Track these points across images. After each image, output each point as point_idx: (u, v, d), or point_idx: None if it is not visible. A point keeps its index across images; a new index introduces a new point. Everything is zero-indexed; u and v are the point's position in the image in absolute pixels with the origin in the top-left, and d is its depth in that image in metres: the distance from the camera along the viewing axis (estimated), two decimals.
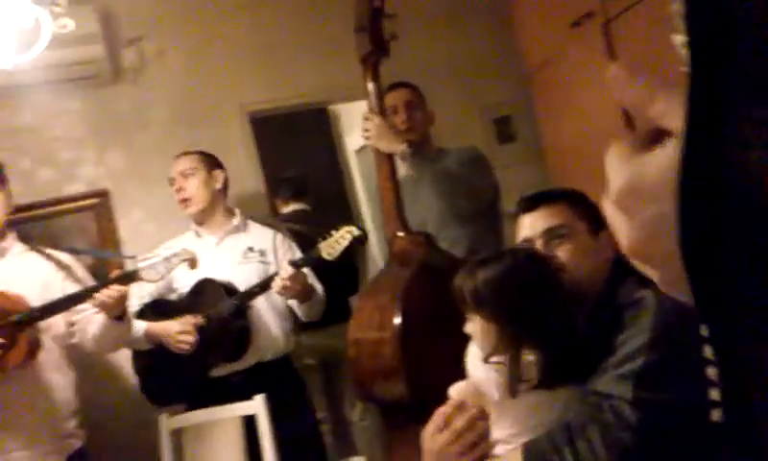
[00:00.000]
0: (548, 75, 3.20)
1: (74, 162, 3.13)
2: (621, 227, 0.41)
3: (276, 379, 2.62)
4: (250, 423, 2.46)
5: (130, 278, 2.24)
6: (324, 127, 4.80)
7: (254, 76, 3.41)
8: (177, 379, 2.62)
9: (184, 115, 3.26)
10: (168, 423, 2.55)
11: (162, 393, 2.68)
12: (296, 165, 3.89)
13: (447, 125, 3.51)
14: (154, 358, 2.60)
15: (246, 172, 3.28)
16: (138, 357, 2.67)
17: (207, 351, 2.53)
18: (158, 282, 2.48)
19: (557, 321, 1.34)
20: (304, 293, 2.56)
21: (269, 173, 3.50)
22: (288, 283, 2.42)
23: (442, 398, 1.44)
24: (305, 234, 2.96)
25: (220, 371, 2.59)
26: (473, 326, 1.38)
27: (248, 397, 2.46)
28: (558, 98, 3.18)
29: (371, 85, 2.22)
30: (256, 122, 3.45)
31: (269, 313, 2.65)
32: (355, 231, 2.44)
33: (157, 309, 2.60)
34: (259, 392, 2.47)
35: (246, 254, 2.67)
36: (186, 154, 2.75)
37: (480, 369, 1.36)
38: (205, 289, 2.57)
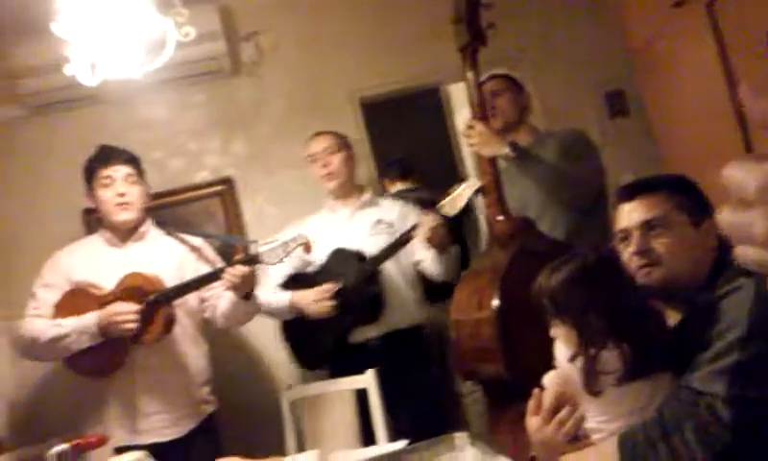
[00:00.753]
0: (652, 54, 3.12)
1: (201, 152, 3.40)
2: (760, 220, 0.48)
3: (409, 348, 2.78)
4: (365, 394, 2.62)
5: (253, 260, 2.45)
6: (435, 107, 4.86)
7: (364, 62, 3.53)
8: (319, 345, 2.85)
9: (299, 104, 3.45)
10: (288, 394, 2.77)
11: (308, 358, 2.93)
12: (405, 147, 4.00)
13: (558, 101, 3.49)
14: (298, 326, 2.85)
15: (357, 155, 3.43)
16: (286, 327, 2.93)
17: (344, 316, 2.73)
18: (292, 261, 2.72)
19: (633, 317, 1.37)
20: (445, 243, 2.64)
21: (379, 156, 3.63)
22: (432, 230, 2.53)
23: (539, 377, 1.51)
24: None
25: (358, 337, 2.76)
26: (556, 329, 1.44)
27: (383, 363, 2.63)
28: (662, 77, 3.09)
29: (469, 75, 2.28)
30: (367, 107, 3.58)
31: (402, 283, 2.81)
32: (472, 183, 2.48)
33: (298, 282, 2.84)
34: (394, 359, 2.68)
35: (375, 226, 2.85)
36: (327, 133, 2.96)
37: (563, 360, 1.42)
38: (339, 258, 2.79)
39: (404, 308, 2.81)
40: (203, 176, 3.39)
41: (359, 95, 3.53)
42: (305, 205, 3.23)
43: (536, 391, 1.49)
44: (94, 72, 2.10)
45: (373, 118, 3.65)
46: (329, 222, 2.91)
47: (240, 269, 2.41)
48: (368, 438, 2.56)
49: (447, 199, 2.59)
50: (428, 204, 2.80)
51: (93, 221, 3.15)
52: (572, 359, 1.38)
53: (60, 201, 3.22)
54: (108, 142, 2.74)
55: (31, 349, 2.49)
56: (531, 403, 1.49)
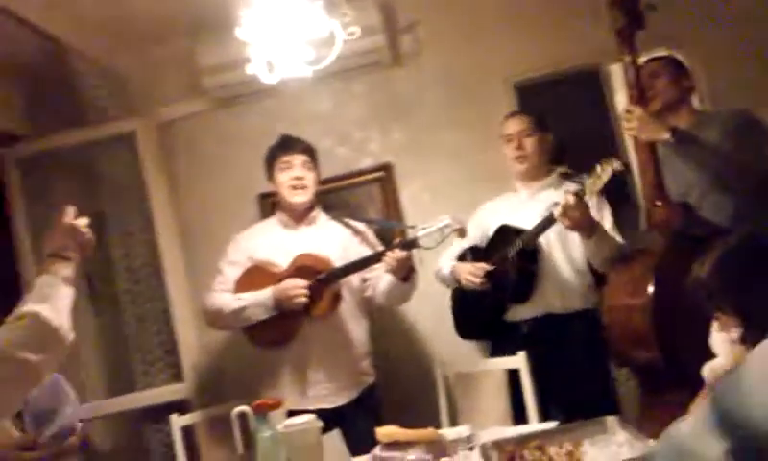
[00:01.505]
0: None
1: (363, 140, 3.60)
2: None
3: (569, 332, 2.76)
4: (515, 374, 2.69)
5: (411, 244, 2.62)
6: (594, 88, 4.76)
7: (521, 47, 3.55)
8: (475, 317, 2.99)
9: (455, 92, 3.55)
10: (442, 370, 2.91)
11: (464, 327, 3.07)
12: (561, 130, 3.97)
13: (726, 82, 3.32)
14: (462, 296, 3.00)
15: None
16: (454, 295, 3.07)
17: (497, 291, 2.83)
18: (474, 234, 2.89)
19: None
20: (585, 225, 2.55)
21: None
22: (568, 211, 2.50)
23: (695, 366, 1.51)
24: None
25: (513, 316, 2.84)
26: (716, 319, 1.42)
27: (536, 344, 2.69)
28: None
29: (626, 58, 2.27)
30: (521, 91, 3.60)
31: (565, 266, 2.80)
32: (615, 163, 2.48)
33: (473, 253, 2.98)
34: (548, 342, 2.72)
35: (549, 208, 2.80)
36: (522, 114, 3.02)
37: (721, 351, 1.42)
38: (502, 235, 2.88)
39: (564, 293, 2.79)
40: (365, 163, 3.60)
41: (513, 80, 3.56)
42: (459, 191, 3.35)
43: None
44: (272, 71, 2.33)
45: (528, 102, 3.66)
46: (510, 201, 2.98)
47: (398, 253, 2.59)
48: (519, 418, 2.64)
49: (589, 179, 2.53)
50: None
51: (267, 205, 3.48)
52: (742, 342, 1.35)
53: (238, 187, 3.56)
54: (284, 131, 3.03)
55: (216, 319, 2.83)
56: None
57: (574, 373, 2.73)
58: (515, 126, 2.95)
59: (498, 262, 2.81)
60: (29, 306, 1.54)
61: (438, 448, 2.05)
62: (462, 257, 2.98)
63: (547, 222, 2.67)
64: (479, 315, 2.95)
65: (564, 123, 4.37)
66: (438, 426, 2.62)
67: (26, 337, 1.47)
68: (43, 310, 1.51)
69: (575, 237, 2.69)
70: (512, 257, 2.78)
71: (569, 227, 2.55)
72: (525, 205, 2.91)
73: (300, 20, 2.26)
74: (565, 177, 3.13)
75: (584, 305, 2.79)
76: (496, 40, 3.54)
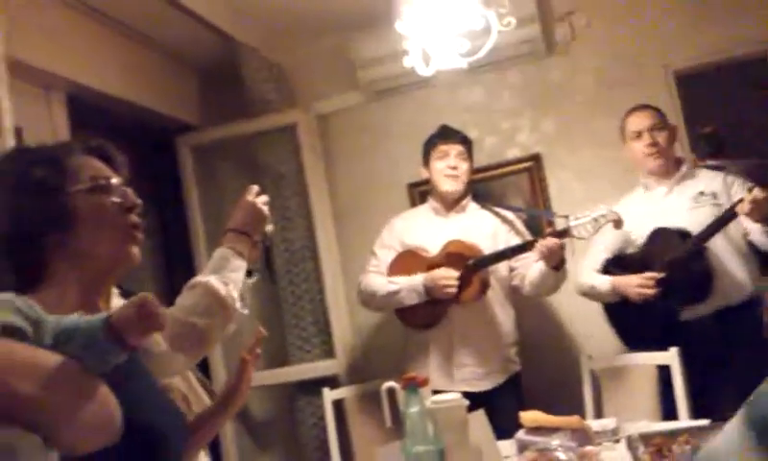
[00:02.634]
0: None
1: (512, 130, 3.64)
2: None
3: (740, 324, 2.66)
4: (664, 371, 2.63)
5: (563, 233, 2.64)
6: (761, 77, 4.48)
7: (681, 34, 3.44)
8: (646, 327, 2.85)
9: (609, 81, 3.50)
10: (589, 363, 2.90)
11: (635, 339, 2.91)
12: (723, 120, 3.79)
13: None
14: (623, 308, 2.87)
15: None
16: (610, 309, 2.96)
17: (671, 297, 2.72)
18: (610, 243, 2.82)
19: None
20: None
21: (692, 130, 3.51)
22: (755, 204, 2.43)
23: None
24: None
25: (688, 315, 2.74)
26: None
27: (714, 341, 2.63)
28: None
29: None
30: (681, 79, 3.48)
31: (731, 256, 2.70)
32: None
33: (619, 264, 2.88)
34: (724, 336, 2.62)
35: (697, 199, 2.76)
36: (648, 108, 2.93)
37: None
38: (659, 238, 2.77)
39: (735, 283, 2.68)
40: (513, 153, 3.63)
41: (673, 68, 3.45)
42: (609, 181, 3.30)
43: None
44: (428, 63, 2.43)
45: (688, 91, 3.53)
46: (645, 201, 2.87)
47: (553, 240, 2.61)
48: (668, 414, 2.59)
49: None
50: (753, 174, 2.65)
51: (416, 195, 3.61)
52: None
53: (389, 176, 3.71)
54: (434, 123, 3.14)
55: (370, 300, 3.01)
56: None
57: (748, 366, 2.61)
58: (644, 121, 2.86)
59: (666, 268, 2.72)
60: (201, 276, 1.67)
61: (582, 436, 2.07)
62: (606, 270, 2.89)
63: (724, 220, 2.60)
64: (650, 324, 2.83)
65: (728, 113, 4.18)
66: (582, 418, 2.63)
67: (195, 304, 1.59)
68: (212, 280, 1.63)
69: (733, 223, 2.62)
70: (677, 259, 2.69)
71: (756, 219, 2.49)
72: (666, 202, 2.83)
73: (457, 13, 2.34)
74: (715, 167, 2.99)
75: (753, 292, 2.69)
76: (656, 26, 3.46)
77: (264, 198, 1.78)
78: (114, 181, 1.24)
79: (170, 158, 3.82)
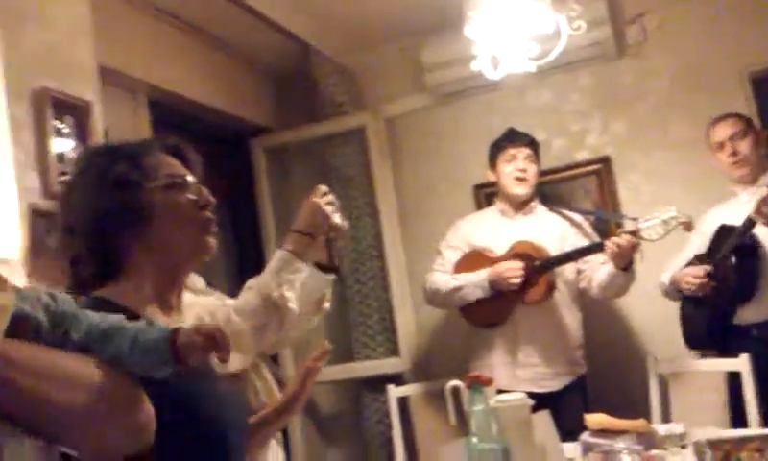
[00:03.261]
0: None
1: (581, 132, 3.63)
2: None
3: None
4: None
5: (633, 235, 2.63)
6: None
7: (756, 35, 3.36)
8: (700, 324, 2.88)
9: (682, 83, 3.45)
10: (656, 366, 2.87)
11: (690, 337, 2.94)
12: None
13: None
14: (688, 305, 2.91)
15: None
16: (682, 305, 2.95)
17: (719, 294, 2.72)
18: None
19: None
20: None
21: None
22: None
23: None
24: None
25: (740, 319, 2.72)
26: None
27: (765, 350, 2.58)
28: None
29: None
30: (757, 82, 3.40)
31: None
32: None
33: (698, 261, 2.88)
34: None
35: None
36: (731, 116, 2.90)
37: None
38: (721, 235, 2.78)
39: None
40: (582, 155, 3.62)
41: (749, 70, 3.38)
42: (680, 184, 3.26)
43: None
44: (496, 67, 2.47)
45: (764, 94, 3.45)
46: (732, 208, 2.82)
47: (625, 237, 2.60)
48: (738, 421, 2.55)
49: None
50: None
51: (482, 196, 3.64)
52: None
53: (455, 178, 3.76)
54: (501, 125, 3.17)
55: (434, 297, 3.06)
56: None
57: None
58: (725, 130, 2.83)
59: (719, 262, 2.70)
60: (256, 278, 1.72)
61: (648, 439, 2.07)
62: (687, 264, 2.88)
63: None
64: (706, 323, 2.84)
65: None
66: (649, 422, 2.61)
67: (247, 305, 1.65)
68: (266, 282, 1.67)
69: None
70: (730, 256, 2.67)
71: None
72: (745, 206, 2.78)
73: (527, 17, 2.37)
74: None
75: None
76: (732, 28, 3.39)
77: (328, 198, 1.81)
78: (189, 178, 1.29)
79: (244, 159, 3.96)
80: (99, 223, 1.21)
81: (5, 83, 1.92)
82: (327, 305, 1.96)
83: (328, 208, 1.80)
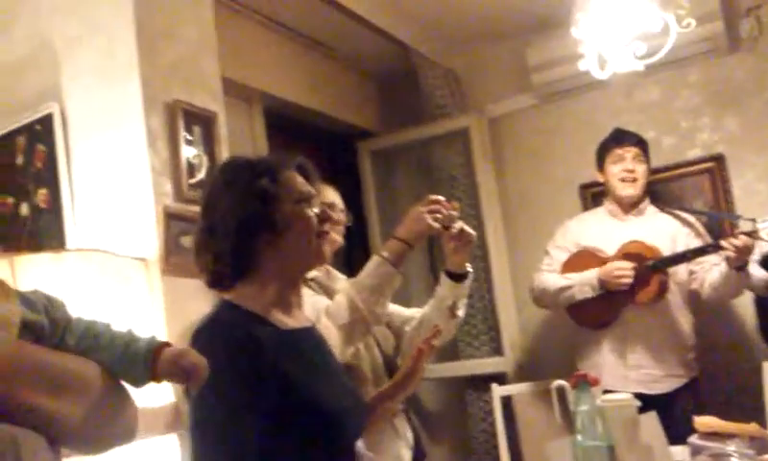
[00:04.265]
0: None
1: (692, 130, 3.56)
2: None
3: None
4: None
5: (751, 235, 2.59)
6: None
7: None
8: None
9: None
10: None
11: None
12: None
13: None
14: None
15: None
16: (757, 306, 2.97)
17: None
18: None
19: None
20: None
21: None
22: None
23: None
24: None
25: None
26: None
27: None
28: None
29: None
30: None
31: None
32: None
33: None
34: None
35: None
36: None
37: None
38: None
39: None
40: (693, 153, 3.55)
41: None
42: None
43: None
44: (603, 67, 2.49)
45: None
46: None
47: (743, 239, 2.57)
48: None
49: None
50: None
51: (588, 196, 3.63)
52: None
53: (560, 178, 3.77)
54: (608, 123, 3.17)
55: (541, 296, 3.09)
56: None
57: None
58: None
59: None
60: (348, 281, 1.85)
61: (761, 444, 2.04)
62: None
63: None
64: None
65: None
66: (763, 426, 2.56)
67: (336, 307, 1.77)
68: (355, 288, 1.77)
69: None
70: None
71: None
72: None
73: (634, 16, 2.38)
74: None
75: None
76: None
77: (435, 206, 1.86)
78: (313, 193, 1.49)
79: (351, 162, 4.12)
80: (242, 228, 1.39)
81: (142, 96, 2.13)
82: (461, 313, 2.04)
83: (429, 217, 1.84)
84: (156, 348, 0.96)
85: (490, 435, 3.53)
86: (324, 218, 1.49)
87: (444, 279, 2.05)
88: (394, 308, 2.14)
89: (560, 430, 2.67)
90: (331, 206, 2.05)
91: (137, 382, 0.98)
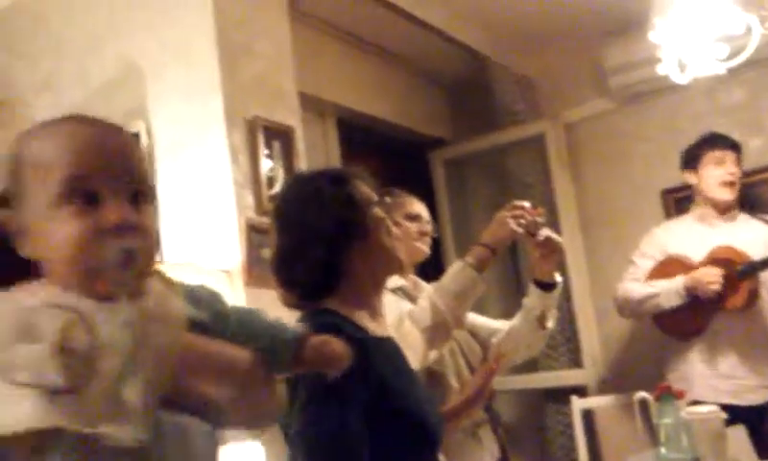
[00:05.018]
0: None
1: None
2: None
3: None
4: None
5: None
6: None
7: None
8: None
9: None
10: None
11: None
12: None
13: None
14: None
15: None
16: None
17: None
18: None
19: None
20: None
21: None
22: None
23: None
24: None
25: None
26: None
27: None
28: None
29: None
30: None
31: None
32: None
33: None
34: None
35: None
36: None
37: None
38: None
39: None
40: None
41: None
42: None
43: None
44: (683, 71, 2.48)
45: None
46: None
47: None
48: None
49: None
50: None
51: (671, 201, 3.59)
52: None
53: (640, 183, 3.74)
54: (689, 127, 3.13)
55: (626, 306, 3.06)
56: None
57: None
58: None
59: None
60: (431, 286, 1.89)
61: None
62: None
63: None
64: None
65: None
66: None
67: (420, 312, 1.81)
68: (438, 293, 1.82)
69: None
70: None
71: None
72: None
73: (715, 19, 2.36)
74: None
75: None
76: None
77: (518, 212, 1.88)
78: (379, 200, 1.55)
79: (423, 171, 4.19)
80: (336, 237, 1.45)
81: (224, 113, 2.26)
82: (551, 325, 2.05)
83: (513, 222, 1.86)
84: (302, 337, 1.03)
85: (569, 449, 3.52)
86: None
87: (532, 288, 2.05)
88: (481, 320, 2.18)
89: (643, 444, 2.66)
90: (417, 217, 2.12)
91: (284, 369, 1.04)
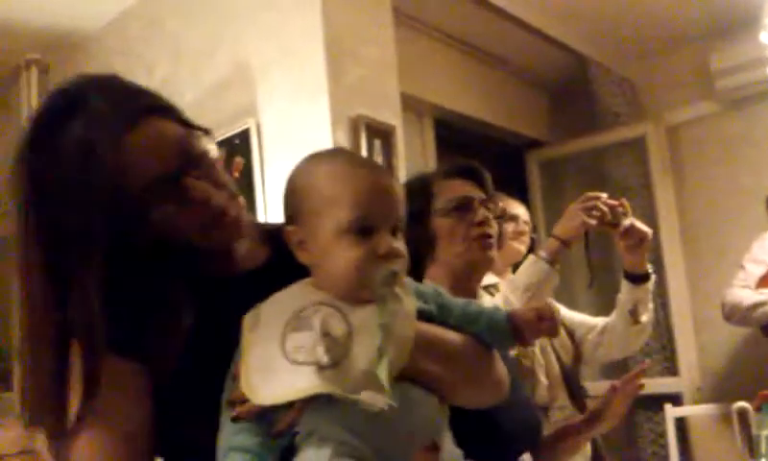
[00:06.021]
0: None
1: None
2: None
3: None
4: None
5: None
6: None
7: None
8: None
9: None
10: None
11: None
12: None
13: None
14: None
15: None
16: None
17: None
18: None
19: None
20: None
21: None
22: None
23: None
24: None
25: None
26: None
27: None
28: None
29: None
30: None
31: None
32: None
33: None
34: None
35: None
36: None
37: None
38: None
39: None
40: None
41: None
42: None
43: None
44: None
45: None
46: None
47: None
48: None
49: None
50: None
51: None
52: None
53: (746, 188, 3.67)
54: None
55: (733, 312, 3.03)
56: None
57: None
58: None
59: None
60: (506, 281, 1.93)
61: None
62: None
63: None
64: None
65: None
66: None
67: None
68: (510, 287, 1.83)
69: None
70: None
71: None
72: None
73: None
74: None
75: None
76: None
77: (591, 203, 1.85)
78: (470, 198, 1.52)
79: (517, 170, 4.25)
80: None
81: (329, 112, 2.41)
82: (645, 319, 2.03)
83: (584, 213, 1.84)
84: (512, 314, 1.12)
85: (661, 458, 3.51)
86: (480, 222, 1.50)
87: (623, 281, 2.03)
88: (578, 318, 2.21)
89: (740, 455, 2.64)
90: (514, 217, 2.18)
91: (505, 346, 1.16)
